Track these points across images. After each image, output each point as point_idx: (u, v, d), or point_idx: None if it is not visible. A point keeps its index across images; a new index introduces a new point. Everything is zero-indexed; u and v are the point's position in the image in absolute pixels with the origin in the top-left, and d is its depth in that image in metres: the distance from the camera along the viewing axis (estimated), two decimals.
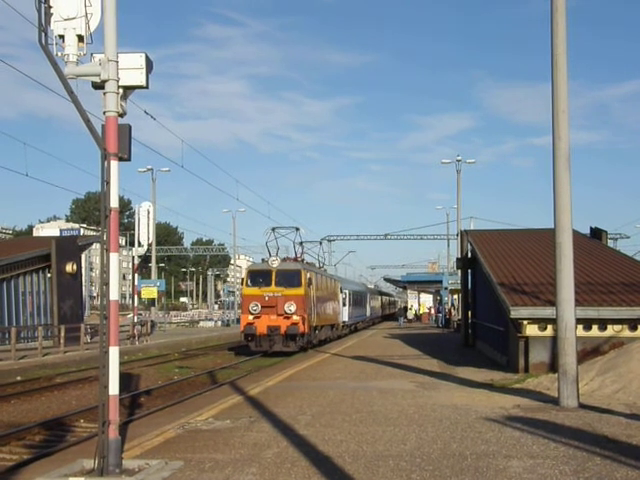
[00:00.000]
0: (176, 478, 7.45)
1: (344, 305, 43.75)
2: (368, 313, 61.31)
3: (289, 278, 29.81)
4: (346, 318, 44.44)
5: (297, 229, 35.87)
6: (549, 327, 16.64)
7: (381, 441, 9.34)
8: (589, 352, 16.51)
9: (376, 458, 8.29)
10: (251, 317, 29.16)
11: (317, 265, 39.02)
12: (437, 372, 18.83)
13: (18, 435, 12.61)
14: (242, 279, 32.19)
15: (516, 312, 17.08)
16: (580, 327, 15.03)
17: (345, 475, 7.50)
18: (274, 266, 29.95)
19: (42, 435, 13.00)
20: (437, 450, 8.70)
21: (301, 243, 37.95)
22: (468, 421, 10.81)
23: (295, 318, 29.06)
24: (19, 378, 22.00)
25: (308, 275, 30.80)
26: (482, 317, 27.58)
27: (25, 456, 11.02)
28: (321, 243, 42.42)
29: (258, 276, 30.20)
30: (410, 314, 74.71)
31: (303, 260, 34.63)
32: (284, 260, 31.90)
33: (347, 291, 45.37)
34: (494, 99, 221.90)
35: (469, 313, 31.45)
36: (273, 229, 34.85)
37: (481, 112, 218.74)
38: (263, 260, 33.15)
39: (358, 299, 53.53)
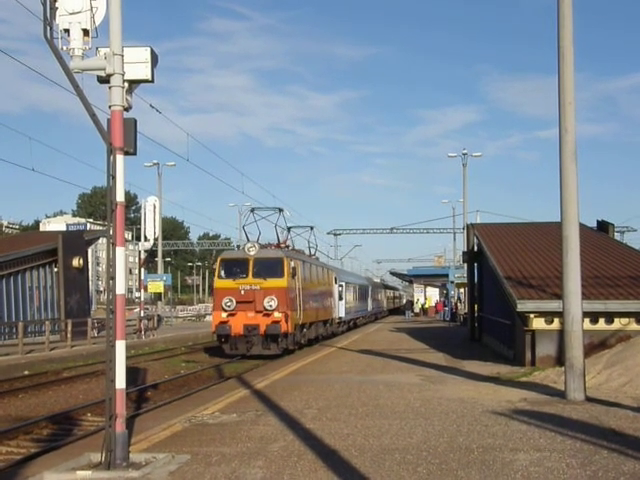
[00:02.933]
0: (183, 472, 7.47)
1: (340, 298, 38.96)
2: (370, 307, 57.47)
3: (269, 267, 25.19)
4: (342, 313, 39.55)
5: (280, 210, 30.04)
6: (556, 320, 16.61)
7: (387, 434, 9.35)
8: (596, 345, 16.48)
9: (382, 451, 8.29)
10: (224, 314, 24.68)
11: (308, 253, 34.43)
12: (443, 366, 18.82)
13: (26, 429, 12.66)
14: (213, 269, 27.26)
15: (522, 305, 17.05)
16: (587, 320, 14.98)
17: (351, 468, 7.51)
18: (251, 253, 25.38)
19: (50, 429, 13.05)
20: (444, 443, 8.70)
21: (289, 229, 33.79)
22: (475, 414, 10.80)
23: (277, 315, 24.53)
24: (26, 372, 22.08)
25: (292, 264, 25.92)
26: (488, 311, 27.55)
27: (33, 450, 11.07)
28: (312, 228, 36.11)
29: (233, 265, 25.68)
30: (416, 308, 74.71)
31: (288, 246, 29.83)
32: (264, 247, 27.01)
33: (344, 283, 40.84)
34: (500, 92, 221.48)
35: (475, 307, 31.40)
36: (252, 210, 29.91)
37: (487, 105, 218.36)
38: (239, 247, 29.55)
39: (358, 292, 49.55)
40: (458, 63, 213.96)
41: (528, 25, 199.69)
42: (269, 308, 24.55)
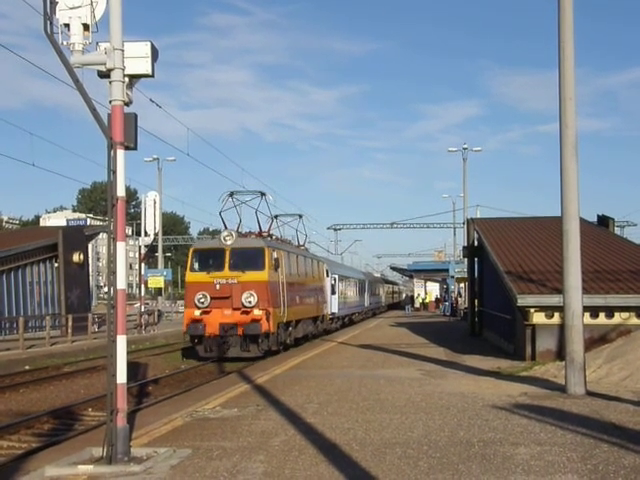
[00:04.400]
0: (184, 466, 7.48)
1: (333, 293, 36.07)
2: (367, 303, 54.46)
3: (249, 259, 22.35)
4: (335, 309, 36.50)
5: (263, 194, 26.49)
6: (556, 315, 16.64)
7: (388, 429, 9.36)
8: (596, 340, 16.51)
9: (383, 445, 8.31)
10: (197, 312, 21.83)
11: (296, 244, 31.61)
12: (444, 360, 18.84)
13: (27, 424, 12.69)
14: (185, 261, 24.44)
15: (523, 300, 17.08)
16: (587, 315, 15.01)
17: (352, 462, 7.52)
18: (228, 243, 22.44)
19: (51, 424, 13.08)
20: (444, 438, 8.72)
21: (276, 217, 30.78)
22: (475, 409, 10.82)
23: (257, 313, 21.65)
24: (27, 367, 22.11)
25: (275, 254, 23.10)
26: (489, 305, 27.58)
27: (34, 444, 11.10)
28: (301, 217, 32.64)
29: (207, 257, 22.95)
30: (417, 303, 74.77)
31: (271, 235, 26.68)
32: (243, 235, 24.49)
33: (336, 276, 37.69)
34: (500, 87, 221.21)
35: (476, 301, 31.43)
36: (231, 194, 26.07)
37: (487, 100, 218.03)
38: (214, 236, 26.65)
39: (353, 286, 46.71)
40: (459, 58, 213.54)
41: (529, 20, 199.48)
42: (248, 305, 21.65)
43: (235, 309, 21.82)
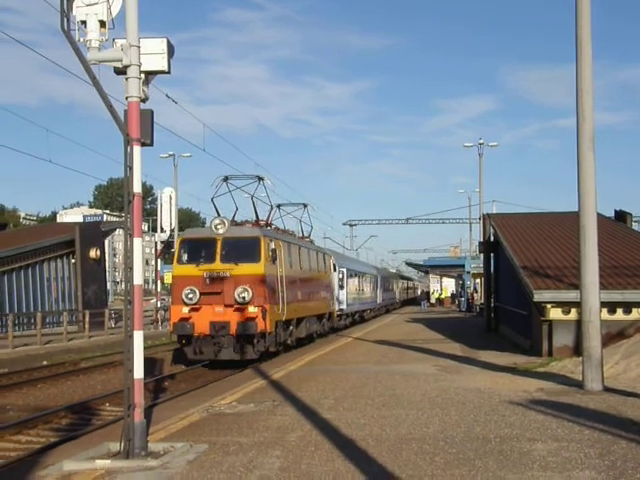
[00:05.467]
0: (201, 461, 7.51)
1: (341, 288, 33.90)
2: (380, 299, 52.05)
3: (242, 250, 19.89)
4: (344, 305, 34.33)
5: (260, 179, 23.46)
6: (573, 310, 16.54)
7: (404, 424, 9.36)
8: (614, 335, 16.40)
9: (399, 441, 8.30)
10: (186, 309, 19.39)
11: (300, 235, 28.72)
12: (460, 356, 18.81)
13: (45, 418, 12.79)
14: (173, 252, 22.05)
15: (539, 295, 16.99)
16: (604, 310, 14.90)
17: (368, 458, 7.52)
18: (220, 232, 19.98)
19: (68, 419, 13.18)
20: (460, 433, 8.70)
21: (279, 206, 28.25)
22: (491, 404, 10.79)
23: (251, 310, 19.22)
24: (45, 363, 22.29)
25: (272, 245, 20.62)
26: (505, 301, 27.48)
27: (52, 439, 11.19)
28: (305, 206, 29.63)
29: (196, 247, 20.52)
30: (432, 298, 74.65)
31: (270, 225, 23.80)
32: (238, 224, 21.64)
33: (344, 270, 35.47)
34: (516, 81, 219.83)
35: (492, 297, 31.34)
36: (226, 179, 23.23)
37: (503, 94, 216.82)
38: (205, 224, 24.16)
39: (364, 281, 44.18)
40: (474, 52, 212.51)
41: (545, 13, 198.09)
42: (242, 301, 19.19)
43: (227, 306, 19.34)
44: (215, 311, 19.36)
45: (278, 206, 27.98)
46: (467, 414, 10.02)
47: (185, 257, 20.38)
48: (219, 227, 20.11)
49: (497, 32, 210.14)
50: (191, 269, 19.76)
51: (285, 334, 21.82)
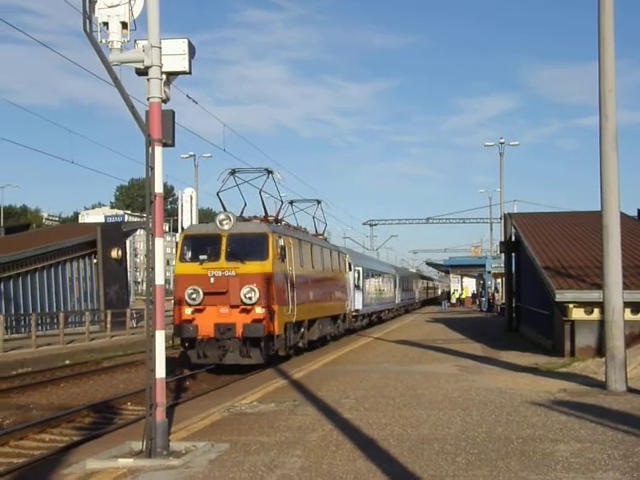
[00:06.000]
0: (222, 460, 7.54)
1: (357, 288, 32.58)
2: (398, 299, 50.18)
3: (249, 247, 18.66)
4: (359, 306, 32.78)
5: (270, 172, 21.82)
6: (595, 310, 16.41)
7: (425, 424, 9.33)
8: (637, 336, 16.26)
9: (421, 441, 8.28)
10: (189, 310, 18.21)
11: (314, 233, 27.42)
12: (481, 356, 18.73)
13: (68, 417, 12.89)
14: (176, 249, 20.67)
15: (561, 295, 16.88)
16: (628, 310, 14.75)
17: (390, 458, 7.51)
18: (225, 228, 18.61)
19: (91, 417, 13.27)
20: (482, 434, 8.66)
21: (291, 202, 26.95)
22: (513, 405, 10.73)
23: (258, 311, 17.93)
24: (68, 362, 22.46)
25: (281, 242, 19.28)
26: (526, 301, 27.32)
27: (75, 438, 11.27)
28: (319, 202, 28.07)
29: (200, 244, 19.09)
30: (453, 298, 74.38)
31: (280, 221, 22.22)
32: (244, 220, 20.19)
33: (360, 269, 34.09)
34: (537, 79, 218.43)
35: (513, 297, 31.17)
36: (233, 172, 21.60)
37: (524, 93, 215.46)
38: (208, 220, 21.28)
39: (382, 281, 42.66)
40: (495, 51, 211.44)
41: (566, 11, 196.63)
42: (248, 301, 17.90)
43: (233, 307, 18.07)
44: (220, 312, 18.14)
45: (290, 202, 26.88)
46: (489, 414, 9.97)
47: (188, 255, 19.04)
48: (224, 223, 18.59)
49: (518, 30, 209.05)
50: (194, 267, 18.46)
51: (296, 337, 20.56)
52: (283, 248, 19.24)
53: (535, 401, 11.02)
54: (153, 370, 7.89)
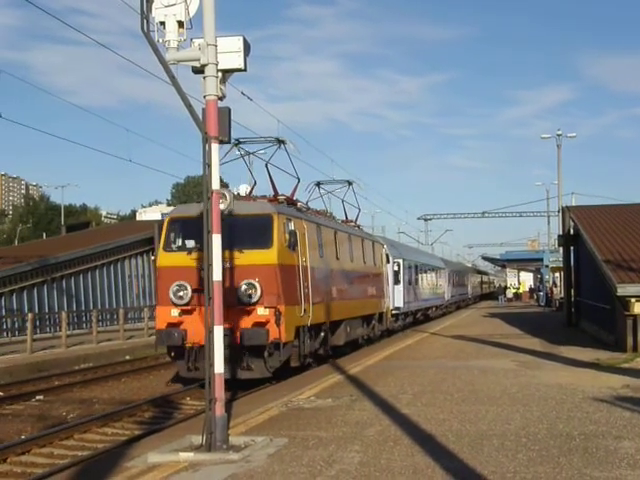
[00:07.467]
0: (281, 454, 7.58)
1: (396, 283, 28.79)
2: (448, 295, 46.88)
3: (250, 231, 14.79)
4: (400, 303, 28.97)
5: (281, 142, 17.91)
6: None
7: (484, 420, 9.23)
8: None
9: (480, 437, 8.19)
10: (175, 311, 14.57)
11: (344, 219, 23.80)
12: (540, 351, 18.44)
13: (129, 412, 13.14)
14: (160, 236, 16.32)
15: (623, 289, 16.54)
16: None
17: (449, 454, 7.45)
18: (220, 208, 10.10)
19: (151, 412, 13.50)
20: (543, 430, 8.53)
21: (318, 184, 22.88)
22: (574, 401, 10.55)
23: (261, 312, 14.29)
24: (128, 357, 22.90)
25: (291, 226, 15.55)
26: (586, 295, 26.81)
27: (136, 432, 11.48)
28: (350, 184, 23.84)
29: (188, 229, 15.20)
30: (509, 293, 73.43)
31: (295, 202, 17.67)
32: (244, 198, 15.99)
33: (400, 261, 30.18)
34: (595, 69, 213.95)
35: (572, 291, 30.64)
36: (237, 142, 17.60)
37: (581, 83, 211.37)
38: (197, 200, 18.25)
39: (428, 275, 38.95)
40: (550, 41, 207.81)
41: (624, 1, 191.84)
42: (248, 300, 14.18)
43: (229, 307, 12.74)
44: None
45: (317, 184, 22.88)
46: (549, 410, 9.82)
47: (174, 242, 15.47)
48: (219, 201, 11.94)
49: (574, 20, 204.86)
50: (181, 258, 14.82)
51: (313, 343, 16.62)
52: (294, 234, 15.44)
53: (597, 397, 10.81)
54: (212, 365, 7.98)
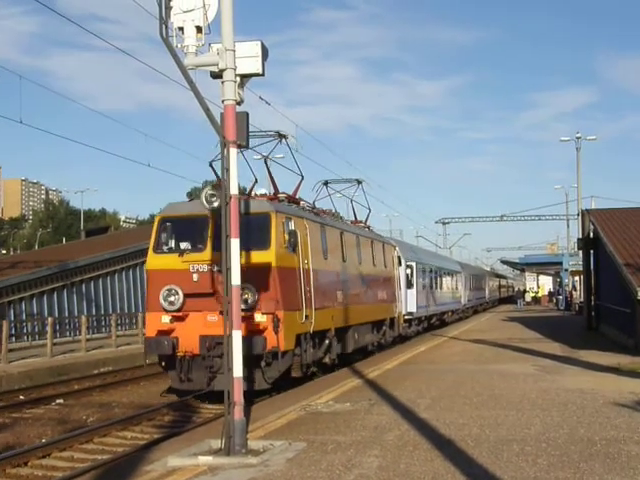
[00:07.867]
0: (300, 459, 7.58)
1: (409, 287, 27.46)
2: (465, 299, 45.48)
3: (245, 231, 10.68)
4: (413, 308, 27.61)
5: (282, 136, 16.78)
6: None
7: (504, 425, 9.18)
8: None
9: (499, 442, 8.14)
10: (165, 318, 13.87)
11: (354, 220, 22.89)
12: (559, 355, 18.32)
13: (148, 416, 13.21)
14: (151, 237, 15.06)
15: None
16: None
17: (469, 459, 7.41)
18: (214, 206, 10.63)
19: (170, 416, 13.54)
20: (563, 435, 8.46)
21: (326, 183, 21.85)
22: (595, 406, 10.46)
23: (258, 319, 13.51)
24: (148, 361, 22.91)
25: (291, 225, 14.71)
26: (606, 299, 26.60)
27: (155, 435, 11.54)
28: (360, 183, 22.68)
29: (180, 229, 14.49)
30: (527, 297, 73.01)
31: (297, 201, 17.10)
32: (243, 197, 14.17)
33: (414, 264, 28.76)
34: (615, 72, 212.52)
35: (592, 295, 30.42)
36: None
37: (601, 85, 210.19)
38: (191, 197, 18.04)
39: (444, 278, 38.01)
40: (570, 44, 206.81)
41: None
42: (243, 305, 11.70)
43: (223, 312, 11.36)
44: (207, 320, 13.64)
45: (325, 183, 21.85)
46: (570, 415, 9.74)
47: (165, 243, 14.56)
48: (212, 199, 10.95)
49: (594, 21, 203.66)
50: (172, 260, 14.02)
51: (316, 351, 15.78)
52: (294, 234, 14.52)
53: (619, 402, 10.71)
54: (231, 369, 7.99)
